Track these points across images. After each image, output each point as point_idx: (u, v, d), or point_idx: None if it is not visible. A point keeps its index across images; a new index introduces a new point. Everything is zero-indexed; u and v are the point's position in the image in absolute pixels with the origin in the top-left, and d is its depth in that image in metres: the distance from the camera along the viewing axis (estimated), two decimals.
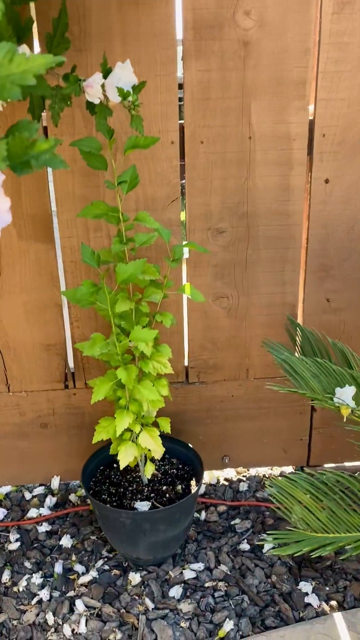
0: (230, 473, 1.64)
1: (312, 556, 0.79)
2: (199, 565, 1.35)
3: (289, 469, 1.65)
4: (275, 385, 0.99)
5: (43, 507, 1.52)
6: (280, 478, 0.91)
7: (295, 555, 0.82)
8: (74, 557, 1.38)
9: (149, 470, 1.30)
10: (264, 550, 1.39)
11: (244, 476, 1.63)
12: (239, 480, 1.61)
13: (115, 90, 0.94)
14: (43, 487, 1.59)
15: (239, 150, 1.31)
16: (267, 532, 0.92)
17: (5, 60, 0.51)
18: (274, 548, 1.30)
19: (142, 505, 1.29)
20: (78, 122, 1.25)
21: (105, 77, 0.95)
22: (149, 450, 1.27)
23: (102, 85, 0.95)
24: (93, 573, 1.34)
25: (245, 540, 1.42)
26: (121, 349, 1.14)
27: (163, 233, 1.19)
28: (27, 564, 1.37)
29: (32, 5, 1.10)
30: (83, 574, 1.34)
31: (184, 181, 1.33)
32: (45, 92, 0.80)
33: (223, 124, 1.28)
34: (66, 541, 1.42)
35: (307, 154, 1.34)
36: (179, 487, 1.36)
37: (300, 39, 1.24)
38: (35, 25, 1.11)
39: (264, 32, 1.22)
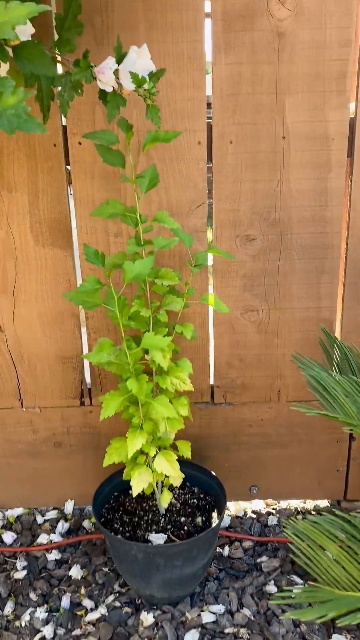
0: (258, 505, 1.50)
1: (339, 624, 0.64)
2: (219, 608, 1.21)
3: (323, 503, 1.50)
4: (302, 406, 0.86)
5: (54, 532, 1.42)
6: (301, 520, 0.78)
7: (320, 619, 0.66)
8: (83, 590, 1.27)
9: (165, 499, 1.18)
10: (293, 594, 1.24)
11: (273, 509, 1.49)
12: (268, 513, 1.47)
13: (129, 76, 0.85)
14: (56, 511, 1.48)
15: (272, 151, 1.21)
16: (284, 587, 0.78)
17: None
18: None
19: (157, 538, 1.17)
20: (99, 118, 1.17)
21: (119, 62, 0.86)
22: (166, 476, 1.15)
23: (116, 72, 0.86)
24: (102, 610, 1.22)
25: (272, 581, 1.28)
26: (132, 358, 1.03)
27: (183, 236, 1.09)
28: (33, 596, 1.26)
29: None
30: (92, 609, 1.23)
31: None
32: (48, 71, 0.72)
33: (254, 122, 1.19)
34: (76, 572, 1.30)
35: (347, 156, 1.22)
36: (199, 519, 1.24)
37: (341, 30, 1.13)
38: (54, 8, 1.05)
39: (300, 22, 1.13)
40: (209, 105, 1.19)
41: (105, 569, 1.32)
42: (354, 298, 1.31)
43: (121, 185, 1.22)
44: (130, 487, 1.27)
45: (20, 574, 1.31)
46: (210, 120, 1.19)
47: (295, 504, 1.50)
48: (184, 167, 1.21)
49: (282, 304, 1.32)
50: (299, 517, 1.46)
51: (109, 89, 0.87)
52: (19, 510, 1.49)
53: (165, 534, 1.19)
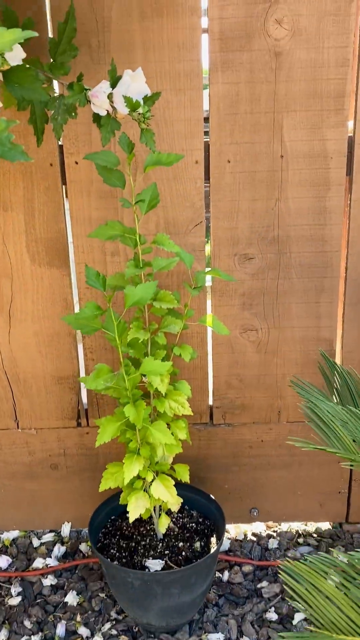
0: (259, 527, 1.47)
1: None
2: (219, 636, 1.18)
3: (325, 525, 1.47)
4: (299, 440, 0.83)
5: (50, 556, 1.39)
6: (297, 561, 0.75)
7: None
8: (78, 618, 1.24)
9: (163, 524, 1.16)
10: (295, 622, 1.21)
11: (274, 531, 1.46)
12: (269, 536, 1.44)
13: (123, 100, 0.84)
14: (53, 534, 1.45)
15: (270, 170, 1.19)
16: (280, 634, 0.76)
17: None
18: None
19: (154, 564, 1.14)
20: (95, 138, 1.16)
21: (113, 86, 0.85)
22: (164, 501, 1.13)
23: (110, 95, 0.85)
24: (98, 639, 1.18)
25: (273, 608, 1.25)
26: (130, 383, 1.01)
27: (185, 257, 1.08)
28: (27, 623, 1.23)
29: (48, 13, 1.04)
30: (87, 638, 1.19)
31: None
32: (39, 96, 0.71)
33: (252, 141, 1.18)
34: (72, 598, 1.27)
35: (346, 174, 1.21)
36: (198, 544, 1.21)
37: (338, 49, 1.13)
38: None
39: (297, 42, 1.12)
40: (206, 120, 1.19)
41: (102, 595, 1.29)
42: (354, 317, 1.30)
43: (118, 204, 1.21)
44: (127, 511, 1.25)
45: (15, 600, 1.28)
46: (208, 139, 1.18)
47: (296, 526, 1.47)
48: (182, 186, 1.20)
49: (282, 323, 1.30)
50: (300, 540, 1.43)
51: (103, 113, 0.86)
52: (14, 533, 1.46)
53: (163, 559, 1.16)
